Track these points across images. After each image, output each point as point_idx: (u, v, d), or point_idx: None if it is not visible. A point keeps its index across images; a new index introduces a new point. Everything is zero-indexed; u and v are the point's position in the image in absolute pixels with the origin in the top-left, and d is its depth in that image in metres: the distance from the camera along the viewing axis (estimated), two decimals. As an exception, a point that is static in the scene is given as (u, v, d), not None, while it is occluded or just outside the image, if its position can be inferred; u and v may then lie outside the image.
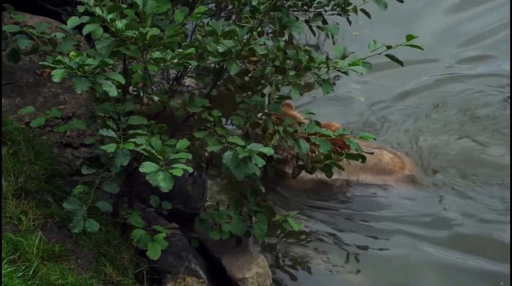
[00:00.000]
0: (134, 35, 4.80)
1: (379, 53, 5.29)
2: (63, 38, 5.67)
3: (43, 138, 6.34)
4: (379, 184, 7.57)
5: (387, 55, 5.35)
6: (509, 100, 8.83)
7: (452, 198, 7.50)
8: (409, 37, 5.24)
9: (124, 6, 5.06)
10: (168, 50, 4.94)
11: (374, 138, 5.67)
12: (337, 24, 6.37)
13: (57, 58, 4.68)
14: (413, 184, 7.64)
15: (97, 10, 4.81)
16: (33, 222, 5.34)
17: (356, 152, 5.68)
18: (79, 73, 4.66)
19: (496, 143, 8.26)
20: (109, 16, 4.80)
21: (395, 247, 6.97)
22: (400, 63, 5.46)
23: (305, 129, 5.65)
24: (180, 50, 5.01)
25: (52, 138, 6.41)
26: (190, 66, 5.31)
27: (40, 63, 4.90)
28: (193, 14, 5.16)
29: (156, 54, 4.90)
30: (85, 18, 5.06)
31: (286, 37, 7.26)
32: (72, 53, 4.77)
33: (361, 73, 5.14)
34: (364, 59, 5.23)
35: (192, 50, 4.93)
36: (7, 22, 6.62)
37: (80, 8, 5.09)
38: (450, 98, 8.95)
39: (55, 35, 5.71)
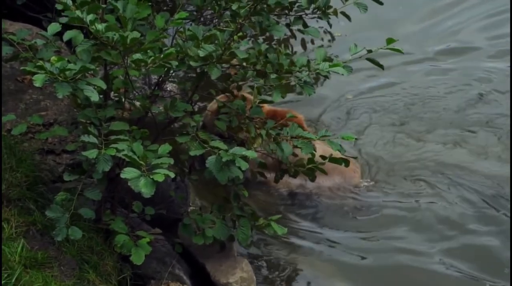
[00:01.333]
0: (115, 37, 4.77)
1: (360, 57, 5.29)
2: (44, 45, 5.63)
3: (25, 145, 6.29)
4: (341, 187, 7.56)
5: (368, 59, 5.36)
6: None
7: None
8: (389, 41, 5.25)
9: (103, 6, 5.05)
10: (148, 51, 4.92)
11: (356, 139, 5.66)
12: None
13: (38, 64, 4.65)
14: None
15: (77, 12, 4.78)
16: (15, 229, 5.29)
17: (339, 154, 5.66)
18: (60, 78, 4.63)
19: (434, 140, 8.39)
20: (89, 17, 4.77)
21: (381, 252, 6.97)
22: (381, 66, 5.46)
23: (287, 133, 5.63)
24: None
25: (34, 145, 6.37)
26: (171, 71, 5.30)
27: (21, 68, 4.87)
28: (173, 19, 5.15)
29: (137, 56, 4.87)
30: (64, 19, 5.03)
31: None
32: (53, 58, 4.73)
33: (342, 74, 5.14)
34: (345, 62, 5.24)
35: (172, 50, 4.90)
36: (-13, 29, 6.58)
37: (63, 20, 5.06)
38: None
39: (35, 42, 5.66)
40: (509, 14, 10.22)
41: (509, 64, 9.47)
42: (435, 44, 10.09)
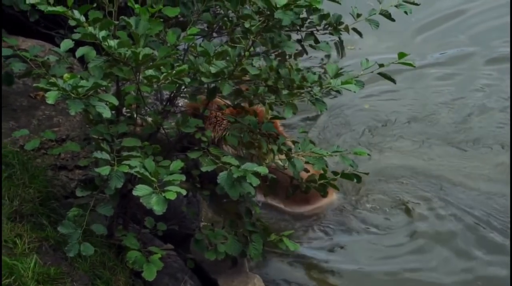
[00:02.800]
0: (127, 53, 4.77)
1: (371, 72, 5.29)
2: (56, 61, 5.66)
3: (38, 161, 6.30)
4: None
5: (380, 74, 5.35)
6: None
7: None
8: (401, 55, 5.24)
9: (115, 22, 5.06)
10: (161, 67, 4.93)
11: (369, 155, 5.64)
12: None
13: (51, 81, 4.66)
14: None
15: (89, 29, 4.79)
16: (28, 245, 5.29)
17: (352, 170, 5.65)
18: (73, 95, 4.64)
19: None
20: (101, 34, 4.78)
21: (394, 266, 6.94)
22: (393, 81, 5.46)
23: (299, 148, 5.63)
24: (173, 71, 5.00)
25: (47, 161, 6.38)
26: (183, 87, 5.30)
27: (34, 85, 4.88)
28: (185, 35, 5.15)
29: (149, 72, 4.88)
30: (77, 35, 5.04)
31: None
32: (65, 75, 4.74)
33: (354, 91, 5.14)
34: (356, 77, 5.23)
35: (185, 67, 4.91)
36: (0, 46, 6.61)
37: (75, 36, 5.07)
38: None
39: (48, 58, 5.69)
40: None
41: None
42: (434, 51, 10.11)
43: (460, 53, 10.26)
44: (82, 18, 4.81)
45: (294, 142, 5.83)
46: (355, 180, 5.68)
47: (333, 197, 7.48)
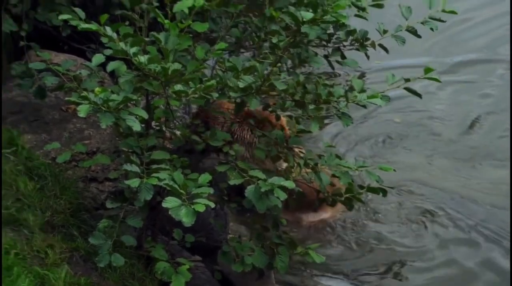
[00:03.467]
0: (156, 69, 4.81)
1: (398, 87, 5.29)
2: (88, 75, 5.71)
3: (69, 173, 6.35)
4: None
5: (406, 89, 5.36)
6: None
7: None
8: (427, 70, 5.24)
9: (146, 39, 5.10)
10: (190, 82, 4.96)
11: (394, 170, 5.63)
12: None
13: (83, 94, 4.71)
14: None
15: (121, 45, 4.83)
16: (59, 255, 5.33)
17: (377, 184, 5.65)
18: (104, 108, 4.67)
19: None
20: (132, 50, 4.82)
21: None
22: (419, 95, 5.45)
23: (325, 162, 5.64)
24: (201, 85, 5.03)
25: (78, 173, 6.43)
26: (211, 101, 5.32)
27: (66, 99, 4.92)
28: (213, 50, 5.18)
29: (178, 87, 4.91)
30: (109, 51, 5.09)
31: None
32: (97, 89, 4.78)
33: (380, 105, 5.14)
34: (382, 92, 5.23)
35: (213, 82, 4.93)
36: (33, 60, 6.68)
37: (107, 52, 5.12)
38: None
39: (80, 72, 5.74)
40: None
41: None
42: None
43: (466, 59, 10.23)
44: (114, 35, 4.86)
45: (320, 156, 5.83)
46: (381, 194, 5.67)
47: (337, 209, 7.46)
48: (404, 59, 5.66)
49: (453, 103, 9.43)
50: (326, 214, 7.40)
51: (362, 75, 9.69)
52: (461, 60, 10.29)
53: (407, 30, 5.78)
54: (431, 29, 5.73)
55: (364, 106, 5.33)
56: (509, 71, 9.83)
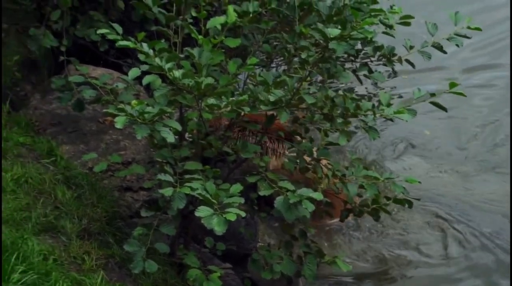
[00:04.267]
0: (190, 83, 4.86)
1: (424, 101, 5.30)
2: (124, 88, 5.77)
3: (105, 182, 6.42)
4: None
5: (432, 103, 5.37)
6: None
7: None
8: (452, 85, 5.25)
9: (181, 55, 5.16)
10: (222, 97, 5.00)
11: (420, 182, 5.62)
12: None
13: (119, 107, 4.77)
14: None
15: (156, 60, 4.89)
16: (95, 261, 5.37)
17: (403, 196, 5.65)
18: (140, 120, 4.73)
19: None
20: (167, 66, 4.88)
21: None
22: (445, 109, 5.45)
23: (353, 173, 5.65)
24: (233, 98, 5.07)
25: (113, 182, 6.49)
26: (242, 114, 5.36)
27: (103, 111, 4.98)
28: (245, 65, 5.22)
29: (211, 101, 4.95)
30: (145, 67, 5.15)
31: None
32: (133, 102, 4.84)
33: (406, 120, 5.15)
34: (409, 106, 5.24)
35: (245, 97, 4.97)
36: (73, 74, 6.76)
37: (143, 68, 5.18)
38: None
39: (117, 86, 5.81)
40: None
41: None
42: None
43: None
44: (150, 51, 4.92)
45: (346, 167, 5.85)
46: (406, 205, 5.68)
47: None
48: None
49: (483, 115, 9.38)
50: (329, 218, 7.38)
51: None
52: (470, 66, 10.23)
53: (433, 46, 5.79)
54: (457, 45, 5.74)
55: (391, 120, 5.34)
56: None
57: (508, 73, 9.96)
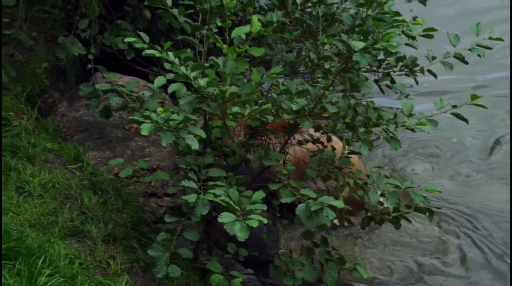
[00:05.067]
0: (215, 91, 4.87)
1: (445, 112, 5.28)
2: (150, 96, 5.78)
3: (130, 188, 6.44)
4: None
5: (453, 114, 5.34)
6: None
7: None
8: (473, 97, 5.22)
9: (206, 64, 5.17)
10: (246, 105, 5.00)
11: (439, 192, 5.59)
12: None
13: (145, 114, 4.78)
14: None
15: (182, 69, 4.91)
16: (120, 266, 5.39)
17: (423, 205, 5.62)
18: (165, 127, 4.74)
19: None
20: (192, 74, 4.89)
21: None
22: (466, 121, 5.42)
23: (374, 181, 5.63)
24: (257, 107, 5.07)
25: (138, 188, 6.51)
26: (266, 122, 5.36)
27: (129, 118, 5.00)
28: (269, 74, 5.22)
29: (235, 109, 4.96)
30: (171, 75, 5.17)
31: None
32: (159, 109, 4.86)
33: (428, 132, 5.13)
34: (430, 116, 5.22)
35: (268, 106, 4.97)
36: (100, 82, 6.80)
37: (169, 76, 5.20)
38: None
39: (142, 93, 5.83)
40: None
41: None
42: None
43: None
44: (176, 60, 4.93)
45: (368, 176, 5.83)
46: (427, 214, 5.65)
47: None
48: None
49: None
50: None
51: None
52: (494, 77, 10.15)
53: (454, 56, 5.77)
54: (479, 55, 5.71)
55: (413, 130, 5.32)
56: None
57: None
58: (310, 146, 5.89)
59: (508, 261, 7.20)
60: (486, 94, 9.11)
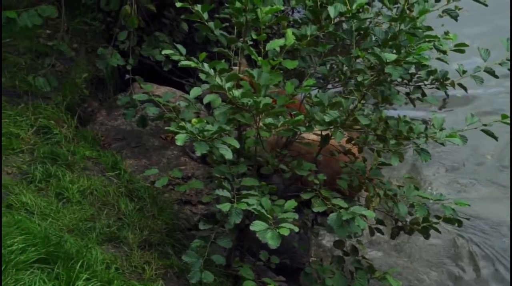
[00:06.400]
0: (249, 102, 4.87)
1: (475, 128, 5.24)
2: (186, 107, 5.80)
3: (165, 195, 6.46)
4: None
5: (483, 131, 5.30)
6: None
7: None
8: (504, 117, 5.19)
9: (240, 75, 5.17)
10: (279, 117, 5.00)
11: (469, 205, 5.54)
12: None
13: (181, 124, 4.80)
14: None
15: (217, 80, 4.92)
16: (155, 271, 5.40)
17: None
18: (199, 138, 4.75)
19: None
20: (227, 85, 4.90)
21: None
22: (495, 138, 5.37)
23: (404, 193, 5.59)
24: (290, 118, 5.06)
25: (173, 196, 6.53)
26: (298, 132, 5.35)
27: (166, 128, 5.01)
28: (302, 86, 5.21)
29: (269, 120, 4.95)
30: (206, 86, 5.18)
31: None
32: (194, 120, 4.86)
33: (458, 145, 5.09)
34: (461, 131, 5.18)
35: (301, 117, 4.96)
36: (137, 92, 6.85)
37: (204, 86, 5.21)
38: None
39: (178, 104, 5.85)
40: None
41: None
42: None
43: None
44: (211, 71, 4.94)
45: (399, 186, 5.79)
46: (456, 224, 5.60)
47: None
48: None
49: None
50: None
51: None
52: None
53: (485, 71, 5.72)
54: (509, 69, 5.66)
55: (443, 144, 5.28)
56: None
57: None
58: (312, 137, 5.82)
59: None
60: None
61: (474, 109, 8.99)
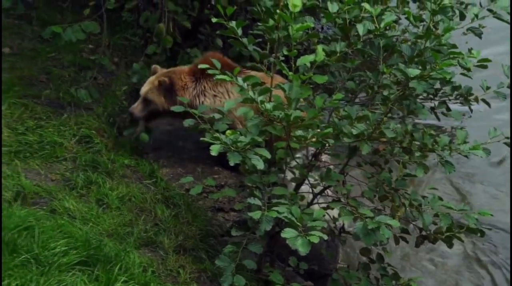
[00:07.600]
0: (280, 115, 4.91)
1: (498, 141, 5.23)
2: (220, 119, 5.84)
3: (200, 203, 6.51)
4: None
5: (506, 144, 5.29)
6: None
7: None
8: None
9: (272, 89, 5.21)
10: (309, 130, 5.03)
11: (492, 215, 5.51)
12: None
13: (215, 135, 4.85)
14: None
15: (250, 93, 4.96)
16: (189, 275, 5.46)
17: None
18: (233, 148, 4.80)
19: None
20: (259, 98, 4.95)
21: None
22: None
23: (428, 203, 5.58)
24: (319, 130, 5.09)
25: (207, 203, 6.58)
26: (327, 145, 5.37)
27: (201, 139, 5.05)
28: (331, 100, 5.24)
29: (299, 132, 4.99)
30: (239, 99, 5.22)
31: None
32: (228, 131, 4.92)
33: (481, 157, 5.08)
34: (484, 144, 5.18)
35: (330, 130, 4.99)
36: (173, 104, 6.89)
37: (238, 99, 5.26)
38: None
39: (213, 116, 5.89)
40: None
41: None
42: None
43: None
44: (245, 85, 5.00)
45: (423, 197, 5.78)
46: (478, 234, 5.57)
47: None
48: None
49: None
50: None
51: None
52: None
53: (508, 87, 5.71)
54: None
55: (467, 157, 5.28)
56: None
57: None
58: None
59: None
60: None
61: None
